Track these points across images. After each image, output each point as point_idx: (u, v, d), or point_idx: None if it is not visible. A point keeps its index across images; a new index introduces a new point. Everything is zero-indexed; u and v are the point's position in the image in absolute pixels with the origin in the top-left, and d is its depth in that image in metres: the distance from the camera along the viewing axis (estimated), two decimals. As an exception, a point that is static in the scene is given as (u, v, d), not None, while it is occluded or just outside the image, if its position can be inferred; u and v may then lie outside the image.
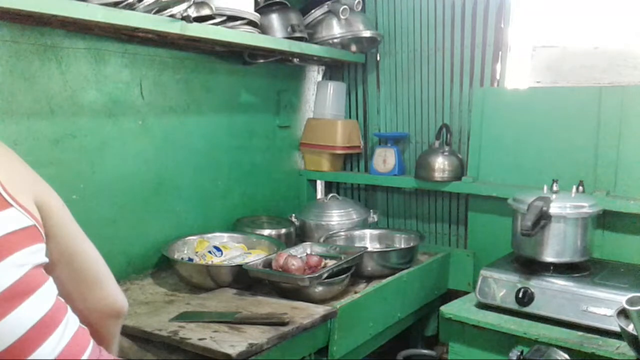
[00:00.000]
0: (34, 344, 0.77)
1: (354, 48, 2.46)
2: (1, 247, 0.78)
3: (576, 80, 2.15)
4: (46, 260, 0.85)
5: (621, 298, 1.32)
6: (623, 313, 1.36)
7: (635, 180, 1.91)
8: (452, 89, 2.34)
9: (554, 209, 1.72)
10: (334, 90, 2.59)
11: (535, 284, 1.72)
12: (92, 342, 0.90)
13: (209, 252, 1.91)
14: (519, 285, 1.73)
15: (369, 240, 2.26)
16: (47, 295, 0.83)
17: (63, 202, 0.95)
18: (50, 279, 0.85)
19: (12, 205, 0.82)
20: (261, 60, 2.20)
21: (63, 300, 0.88)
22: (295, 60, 2.34)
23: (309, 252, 1.93)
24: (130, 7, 1.52)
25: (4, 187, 0.82)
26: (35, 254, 0.83)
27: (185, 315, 1.51)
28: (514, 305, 1.72)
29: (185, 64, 2.02)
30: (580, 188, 1.87)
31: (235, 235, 2.10)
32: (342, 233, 2.21)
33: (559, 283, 1.70)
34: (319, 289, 1.70)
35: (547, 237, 1.74)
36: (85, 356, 0.85)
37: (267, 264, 1.76)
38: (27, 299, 0.78)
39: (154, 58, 1.91)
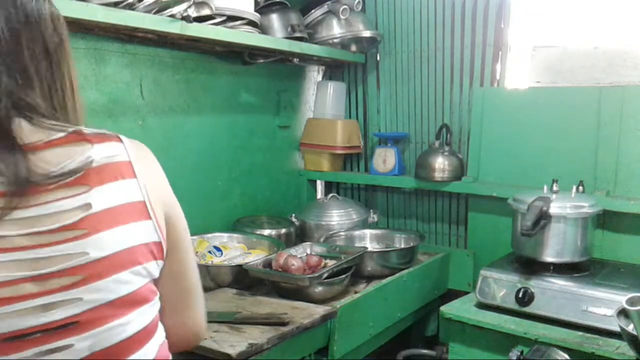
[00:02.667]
0: (127, 352, 0.78)
1: (354, 48, 2.46)
2: (131, 255, 0.78)
3: (576, 80, 2.15)
4: (157, 276, 0.84)
5: (621, 298, 1.32)
6: (623, 313, 1.36)
7: (635, 180, 1.91)
8: (452, 89, 2.34)
9: (554, 209, 1.72)
10: (334, 90, 2.59)
11: (535, 284, 1.72)
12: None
13: (209, 252, 1.91)
14: (519, 285, 1.73)
15: (369, 240, 2.26)
16: (153, 309, 0.83)
17: (186, 223, 0.94)
18: (158, 295, 0.85)
19: (151, 218, 0.82)
20: (261, 60, 2.20)
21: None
22: (295, 60, 2.34)
23: (309, 252, 1.93)
24: (130, 7, 1.52)
25: (149, 197, 0.83)
26: (155, 269, 0.83)
27: (185, 315, 1.51)
28: (514, 305, 1.72)
29: (185, 64, 2.02)
30: (580, 188, 1.87)
31: (235, 235, 2.10)
32: (342, 233, 2.21)
33: (559, 283, 1.70)
34: (319, 289, 1.70)
35: (547, 237, 1.74)
36: None
37: (267, 264, 1.76)
38: (135, 310, 0.79)
39: (154, 58, 1.91)
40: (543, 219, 1.71)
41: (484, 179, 2.22)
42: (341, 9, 2.25)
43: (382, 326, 1.89)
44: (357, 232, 2.26)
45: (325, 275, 1.69)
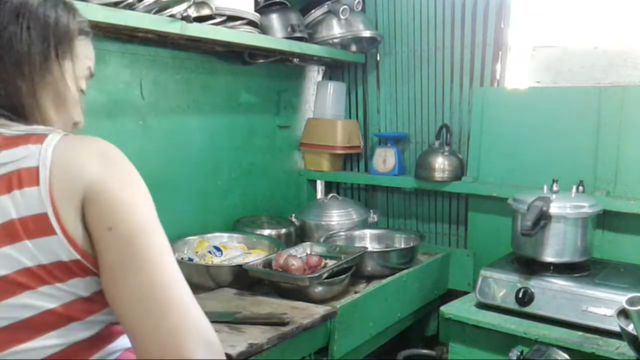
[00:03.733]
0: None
1: (354, 48, 2.46)
2: (20, 278, 0.73)
3: (576, 80, 2.14)
4: (85, 294, 0.79)
5: (621, 298, 1.32)
6: (623, 313, 1.36)
7: (635, 180, 1.91)
8: (452, 89, 2.34)
9: (554, 209, 1.72)
10: (334, 90, 2.58)
11: (535, 284, 1.72)
12: None
13: (209, 252, 1.91)
14: (519, 285, 1.73)
15: (369, 240, 2.26)
16: (74, 332, 0.78)
17: (152, 228, 0.84)
18: (93, 316, 0.79)
19: (56, 233, 0.74)
20: (261, 60, 2.20)
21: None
22: (295, 60, 2.34)
23: (309, 252, 1.93)
24: (130, 7, 1.52)
25: (58, 207, 0.74)
26: (77, 287, 0.77)
27: (185, 315, 1.51)
28: (514, 305, 1.72)
29: (185, 64, 2.02)
30: (580, 188, 1.87)
31: (235, 235, 2.10)
32: (342, 233, 2.21)
33: (559, 283, 1.70)
34: (319, 289, 1.70)
35: (547, 237, 1.74)
36: None
37: (267, 264, 1.76)
38: (43, 335, 0.75)
39: (154, 58, 1.91)
40: (543, 219, 1.71)
41: (484, 179, 2.22)
42: (341, 9, 2.25)
43: (382, 326, 1.89)
44: (357, 232, 2.26)
45: (325, 275, 1.69)
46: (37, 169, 0.73)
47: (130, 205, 0.77)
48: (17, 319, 0.70)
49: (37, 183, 0.72)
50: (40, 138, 0.75)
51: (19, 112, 0.80)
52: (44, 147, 0.75)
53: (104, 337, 0.80)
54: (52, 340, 0.73)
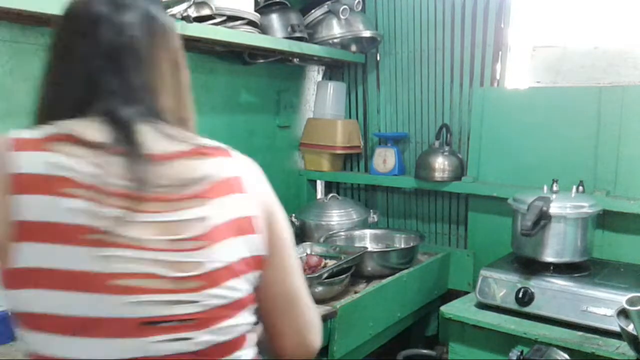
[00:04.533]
0: (234, 349, 0.86)
1: (354, 48, 2.46)
2: (240, 265, 0.86)
3: (576, 80, 2.15)
4: (256, 285, 0.92)
5: (621, 298, 1.32)
6: (623, 313, 1.36)
7: (635, 180, 1.91)
8: (452, 89, 2.34)
9: (554, 209, 1.72)
10: (334, 90, 2.58)
11: (535, 284, 1.72)
12: None
13: (209, 252, 1.91)
14: (519, 285, 1.73)
15: (369, 240, 2.26)
16: (251, 315, 0.90)
17: (289, 231, 1.00)
18: (255, 304, 0.93)
19: (256, 232, 0.89)
20: (261, 60, 2.20)
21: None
22: (295, 60, 2.34)
23: (309, 252, 1.93)
24: (130, 7, 1.52)
25: (257, 212, 0.90)
26: (256, 280, 0.90)
27: (185, 315, 1.51)
28: (514, 305, 1.72)
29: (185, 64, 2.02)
30: (580, 188, 1.87)
31: (235, 235, 2.10)
32: (342, 233, 2.21)
33: (559, 283, 1.70)
34: (319, 289, 1.70)
35: (547, 237, 1.74)
36: None
37: (267, 264, 1.76)
38: (242, 313, 0.86)
39: (154, 58, 1.91)
40: (543, 219, 1.71)
41: (484, 179, 2.22)
42: (341, 9, 2.25)
43: (382, 326, 1.89)
44: (357, 232, 2.26)
45: (325, 275, 1.69)
46: (240, 178, 0.89)
47: (284, 221, 0.97)
48: (232, 298, 0.83)
49: (243, 191, 0.88)
50: (225, 152, 0.92)
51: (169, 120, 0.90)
52: (236, 161, 0.93)
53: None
54: (245, 319, 0.86)
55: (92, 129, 0.79)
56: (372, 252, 1.98)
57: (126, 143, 0.79)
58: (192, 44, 1.91)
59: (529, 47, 2.26)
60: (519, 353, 1.52)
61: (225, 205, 0.84)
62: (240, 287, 0.85)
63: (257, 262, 0.88)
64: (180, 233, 0.79)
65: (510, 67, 2.24)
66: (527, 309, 1.70)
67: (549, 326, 1.65)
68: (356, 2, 2.30)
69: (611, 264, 1.90)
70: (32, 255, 0.72)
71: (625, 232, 1.93)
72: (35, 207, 0.72)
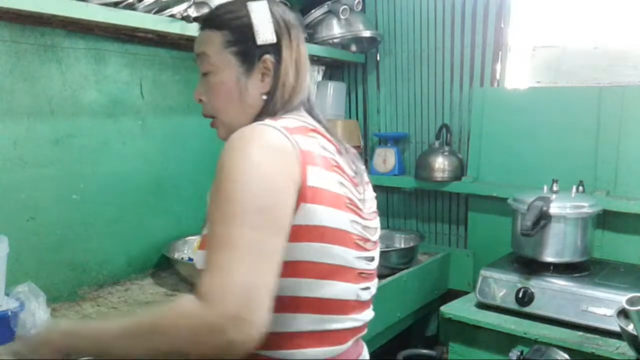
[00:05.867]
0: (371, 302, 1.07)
1: (354, 48, 2.46)
2: None
3: (576, 80, 2.15)
4: None
5: (621, 298, 1.33)
6: (623, 313, 1.36)
7: (635, 180, 1.91)
8: (452, 89, 2.34)
9: (554, 209, 1.72)
10: (334, 90, 2.58)
11: (535, 284, 1.72)
12: None
13: (209, 252, 1.91)
14: (519, 285, 1.73)
15: (369, 240, 2.26)
16: None
17: None
18: None
19: None
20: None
21: None
22: (296, 60, 2.34)
23: (309, 252, 1.92)
24: (130, 7, 1.52)
25: None
26: None
27: (185, 315, 1.51)
28: (514, 305, 1.72)
29: (185, 64, 2.02)
30: (580, 188, 1.88)
31: (235, 235, 2.10)
32: (342, 233, 2.21)
33: (559, 283, 1.70)
34: (319, 289, 1.70)
35: (547, 237, 1.74)
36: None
37: (267, 264, 1.76)
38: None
39: (154, 58, 1.91)
40: (543, 219, 1.71)
41: (484, 179, 2.22)
42: (341, 9, 2.25)
43: (382, 326, 1.89)
44: (357, 232, 2.25)
45: (325, 275, 1.69)
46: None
47: None
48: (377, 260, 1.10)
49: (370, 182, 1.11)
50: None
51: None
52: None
53: None
54: None
55: (315, 123, 0.99)
56: (372, 252, 1.98)
57: (334, 137, 0.99)
58: (192, 44, 1.90)
59: (529, 47, 2.26)
60: (519, 353, 1.52)
61: (371, 191, 1.08)
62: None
63: None
64: (369, 208, 1.03)
65: (510, 67, 2.24)
66: (527, 309, 1.70)
67: (549, 326, 1.65)
68: (356, 2, 2.30)
69: (611, 264, 1.90)
70: (319, 214, 0.87)
71: (625, 232, 1.93)
72: (319, 177, 0.88)
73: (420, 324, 2.28)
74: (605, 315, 1.57)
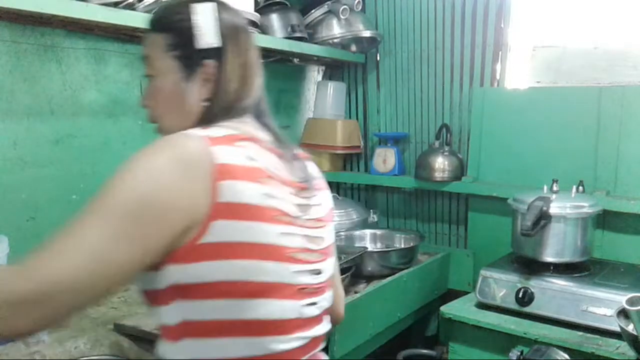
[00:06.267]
0: (326, 315, 1.01)
1: (354, 48, 2.46)
2: (333, 244, 1.05)
3: (576, 80, 2.15)
4: None
5: (621, 298, 1.33)
6: (623, 313, 1.36)
7: (635, 180, 1.91)
8: (452, 89, 2.34)
9: (554, 209, 1.72)
10: (334, 90, 2.58)
11: (535, 284, 1.72)
12: None
13: (209, 252, 1.91)
14: (519, 285, 1.73)
15: (369, 240, 2.26)
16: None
17: None
18: None
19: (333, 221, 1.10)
20: (261, 60, 2.19)
21: None
22: (295, 60, 2.34)
23: (309, 252, 1.92)
24: (130, 7, 1.52)
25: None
26: None
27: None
28: (514, 305, 1.72)
29: (185, 64, 2.02)
30: (580, 188, 1.87)
31: (235, 235, 2.10)
32: (342, 233, 2.21)
33: (559, 283, 1.70)
34: (319, 289, 1.70)
35: (547, 237, 1.74)
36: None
37: (267, 264, 1.76)
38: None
39: (154, 58, 1.91)
40: (543, 219, 1.71)
41: (484, 179, 2.22)
42: (341, 9, 2.25)
43: (382, 326, 1.89)
44: (357, 232, 2.26)
45: (325, 275, 1.69)
46: (321, 177, 1.06)
47: None
48: (331, 271, 1.02)
49: (325, 188, 1.06)
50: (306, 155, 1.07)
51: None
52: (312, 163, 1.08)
53: None
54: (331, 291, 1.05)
55: (255, 131, 0.95)
56: (372, 252, 1.98)
57: (280, 144, 0.97)
58: (192, 44, 1.91)
59: (529, 47, 2.26)
60: (519, 353, 1.52)
61: (324, 197, 1.04)
62: (333, 263, 1.03)
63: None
64: (314, 214, 0.97)
65: (510, 67, 2.24)
66: (527, 309, 1.70)
67: (549, 326, 1.65)
68: (356, 2, 2.30)
69: (611, 264, 1.90)
70: (238, 230, 0.82)
71: (625, 232, 1.93)
72: (236, 191, 0.82)
73: (420, 324, 2.27)
74: (605, 315, 1.57)
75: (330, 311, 1.03)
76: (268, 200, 0.86)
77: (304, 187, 0.96)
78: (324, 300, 0.97)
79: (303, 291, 0.91)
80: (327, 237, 1.00)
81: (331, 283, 1.01)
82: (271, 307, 0.86)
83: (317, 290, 0.95)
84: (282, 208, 0.88)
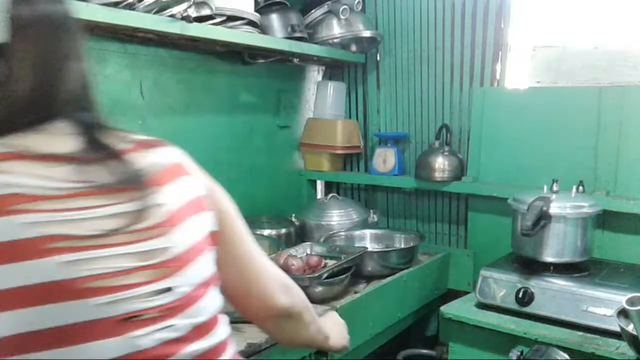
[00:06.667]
0: (213, 327, 0.88)
1: (354, 48, 2.46)
2: (201, 244, 0.87)
3: (576, 80, 2.15)
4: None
5: (621, 298, 1.32)
6: (623, 313, 1.36)
7: (635, 180, 1.91)
8: (452, 89, 2.34)
9: (554, 209, 1.72)
10: (334, 90, 2.58)
11: (535, 284, 1.72)
12: (234, 343, 0.97)
13: (209, 252, 1.91)
14: (519, 285, 1.73)
15: (369, 240, 2.26)
16: (219, 292, 0.92)
17: (234, 207, 1.03)
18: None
19: (208, 209, 0.92)
20: (261, 60, 2.20)
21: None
22: (295, 60, 2.34)
23: (309, 252, 1.93)
24: (130, 7, 1.52)
25: (204, 190, 0.93)
26: (215, 255, 0.92)
27: (185, 315, 1.50)
28: (514, 305, 1.72)
29: (185, 64, 2.02)
30: (580, 188, 1.87)
31: (235, 235, 2.10)
32: (342, 233, 2.21)
33: (559, 283, 1.70)
34: (319, 289, 1.70)
35: (547, 237, 1.74)
36: (230, 352, 0.92)
37: (267, 264, 1.76)
38: (212, 291, 0.89)
39: (154, 58, 1.91)
40: (543, 219, 1.71)
41: (484, 179, 2.22)
42: (341, 9, 2.25)
43: (382, 326, 1.89)
44: (357, 232, 2.26)
45: (325, 275, 1.69)
46: (181, 163, 0.92)
47: (225, 195, 1.02)
48: (201, 278, 0.86)
49: (188, 173, 0.91)
50: (161, 142, 0.95)
51: None
52: (173, 148, 0.95)
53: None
54: (215, 297, 0.89)
55: (44, 141, 0.78)
56: (372, 252, 1.98)
57: (92, 145, 0.82)
58: (192, 44, 1.91)
59: (529, 47, 2.26)
60: (519, 353, 1.52)
61: (178, 189, 0.86)
62: (206, 265, 0.87)
63: (213, 238, 0.91)
64: (141, 222, 0.78)
65: (510, 67, 2.24)
66: (527, 309, 1.70)
67: (549, 326, 1.65)
68: (356, 2, 2.30)
69: (611, 264, 1.90)
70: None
71: (625, 232, 1.93)
72: None
73: (420, 324, 2.28)
74: (605, 315, 1.57)
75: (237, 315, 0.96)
76: (32, 230, 0.70)
77: (123, 189, 0.79)
78: (188, 317, 0.82)
79: (134, 320, 0.75)
80: (179, 242, 0.82)
81: (202, 292, 0.85)
82: (74, 353, 0.71)
83: (169, 311, 0.79)
84: (61, 232, 0.72)
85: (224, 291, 0.96)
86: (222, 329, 0.90)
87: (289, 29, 2.11)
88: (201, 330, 0.84)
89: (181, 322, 0.80)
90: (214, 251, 0.91)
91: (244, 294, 1.02)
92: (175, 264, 0.81)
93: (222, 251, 0.94)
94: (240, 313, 1.06)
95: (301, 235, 2.28)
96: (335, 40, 2.31)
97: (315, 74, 2.67)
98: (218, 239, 0.93)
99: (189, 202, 0.87)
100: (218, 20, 1.80)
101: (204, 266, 0.87)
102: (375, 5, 2.49)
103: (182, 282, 0.81)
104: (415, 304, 2.09)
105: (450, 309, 1.81)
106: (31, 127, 0.79)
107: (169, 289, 0.79)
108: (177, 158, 0.92)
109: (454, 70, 2.33)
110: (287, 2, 2.17)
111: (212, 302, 0.88)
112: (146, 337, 0.76)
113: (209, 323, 0.86)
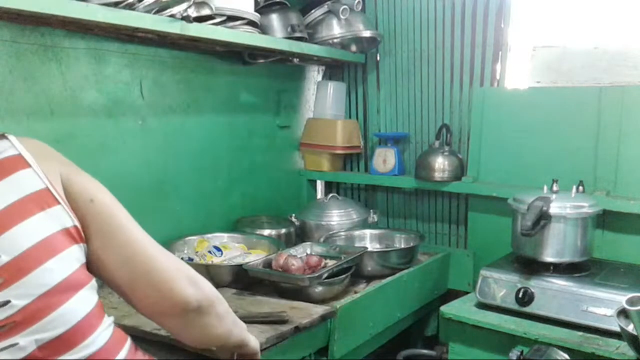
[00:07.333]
0: (75, 340, 0.77)
1: (354, 48, 2.46)
2: (47, 245, 0.77)
3: (576, 80, 2.15)
4: (84, 260, 0.84)
5: (621, 298, 1.32)
6: (623, 313, 1.36)
7: (635, 180, 1.91)
8: (452, 89, 2.34)
9: (554, 209, 1.72)
10: (334, 90, 2.58)
11: (535, 284, 1.72)
12: (128, 341, 0.91)
13: (209, 252, 1.91)
14: (519, 285, 1.73)
15: (369, 240, 2.26)
16: (92, 293, 0.84)
17: (117, 203, 0.92)
18: (93, 279, 0.85)
19: (60, 203, 0.81)
20: (261, 60, 2.20)
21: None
22: (295, 60, 2.34)
23: (309, 252, 1.93)
24: (130, 7, 1.52)
25: (52, 183, 0.81)
26: (80, 253, 0.83)
27: (185, 315, 1.50)
28: (514, 305, 1.72)
29: (185, 64, 2.02)
30: (580, 188, 1.87)
31: (235, 235, 2.10)
32: (342, 233, 2.21)
33: (559, 283, 1.70)
34: (319, 289, 1.70)
35: (547, 237, 1.74)
36: (121, 356, 0.85)
37: (267, 264, 1.76)
38: (73, 296, 0.79)
39: (154, 58, 1.91)
40: (543, 219, 1.71)
41: (484, 179, 2.22)
42: (341, 9, 2.25)
43: (382, 326, 1.89)
44: (357, 232, 2.26)
45: (325, 275, 1.69)
46: (20, 155, 0.81)
47: (90, 182, 0.90)
48: (55, 281, 0.76)
49: (27, 166, 0.80)
50: None
51: None
52: (13, 141, 0.84)
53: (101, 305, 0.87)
54: (83, 300, 0.80)
55: None
56: (372, 252, 1.98)
57: None
58: (192, 44, 1.91)
59: (529, 47, 2.26)
60: (519, 353, 1.51)
61: (10, 186, 0.77)
62: (62, 266, 0.77)
63: (76, 233, 0.82)
64: None
65: (510, 67, 2.24)
66: (527, 309, 1.70)
67: (549, 326, 1.65)
68: (356, 2, 2.30)
69: (611, 264, 1.90)
70: None
71: (625, 232, 1.93)
72: None
73: (420, 324, 2.28)
74: (605, 315, 1.57)
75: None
76: None
77: None
78: (34, 333, 0.73)
79: None
80: (8, 249, 0.73)
81: (59, 300, 0.76)
82: None
83: (5, 328, 0.71)
84: None
85: (111, 286, 0.88)
86: (103, 335, 0.81)
87: (289, 29, 2.11)
88: (67, 342, 0.75)
89: (29, 338, 0.72)
90: (81, 248, 0.82)
91: (133, 287, 0.90)
92: (10, 272, 0.71)
93: (99, 244, 0.85)
94: (135, 309, 0.95)
95: (301, 235, 2.28)
96: (335, 40, 2.31)
97: (315, 74, 2.67)
98: (88, 232, 0.83)
99: (24, 198, 0.77)
100: (218, 20, 1.80)
101: (57, 271, 0.76)
102: (375, 5, 2.49)
103: (20, 293, 0.72)
104: (415, 304, 2.09)
105: (450, 309, 1.81)
106: None
107: (5, 302, 0.71)
108: (14, 150, 0.82)
109: (454, 70, 2.33)
110: (287, 2, 2.17)
111: (78, 307, 0.78)
112: None
113: (73, 333, 0.76)
